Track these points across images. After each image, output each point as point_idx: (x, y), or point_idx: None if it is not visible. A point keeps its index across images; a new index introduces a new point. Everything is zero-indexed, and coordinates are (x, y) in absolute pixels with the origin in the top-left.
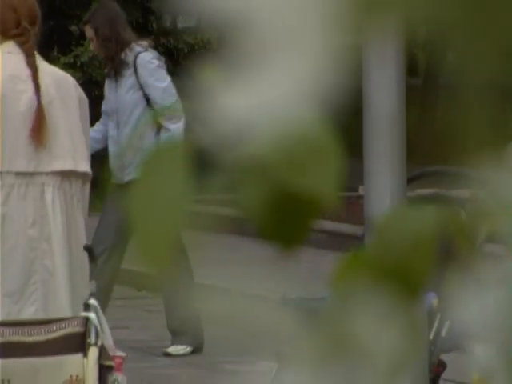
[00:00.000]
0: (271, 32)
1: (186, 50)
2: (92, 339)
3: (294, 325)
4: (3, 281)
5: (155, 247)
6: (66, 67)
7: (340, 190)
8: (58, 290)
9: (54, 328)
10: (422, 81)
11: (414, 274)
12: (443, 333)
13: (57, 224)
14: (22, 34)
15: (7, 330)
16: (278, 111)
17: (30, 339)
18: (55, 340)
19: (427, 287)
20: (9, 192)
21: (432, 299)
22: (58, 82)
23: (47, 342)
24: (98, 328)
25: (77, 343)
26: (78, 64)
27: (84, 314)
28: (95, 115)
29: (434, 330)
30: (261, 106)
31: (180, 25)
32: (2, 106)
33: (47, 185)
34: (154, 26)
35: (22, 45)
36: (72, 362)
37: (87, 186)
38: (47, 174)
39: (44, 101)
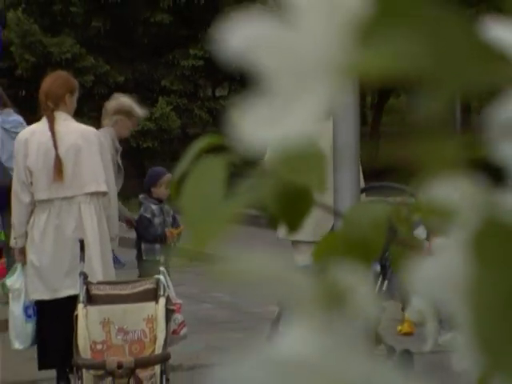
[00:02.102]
0: (283, 81)
1: (221, 111)
2: (161, 292)
3: (293, 282)
4: (60, 266)
5: (203, 233)
6: (145, 120)
7: (325, 187)
8: (95, 270)
9: (137, 285)
10: (369, 128)
11: (370, 247)
12: (383, 289)
13: (89, 227)
14: (46, 110)
15: (107, 286)
16: (287, 138)
17: (123, 292)
18: (138, 293)
19: (377, 257)
20: (59, 211)
21: (376, 266)
22: (83, 134)
23: (133, 294)
24: (165, 285)
25: (152, 295)
26: (153, 118)
27: (156, 276)
28: (164, 151)
29: (377, 286)
30: (275, 134)
31: (217, 94)
32: (44, 158)
33: (82, 202)
34: (202, 94)
35: (47, 117)
36: (149, 307)
37: (107, 197)
38: (81, 195)
39: (66, 151)
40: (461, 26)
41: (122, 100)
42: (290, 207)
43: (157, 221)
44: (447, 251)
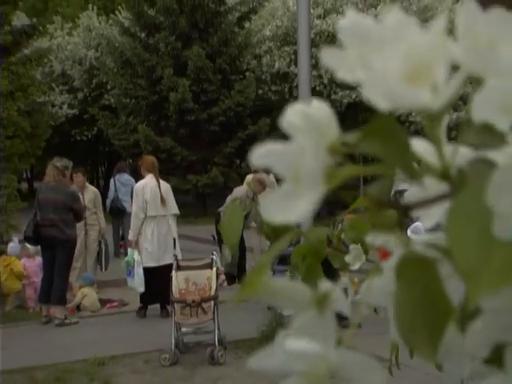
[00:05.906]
0: (289, 182)
1: (246, 174)
2: (214, 264)
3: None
4: (160, 249)
5: (231, 242)
6: (205, 179)
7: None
8: (178, 253)
9: (202, 261)
10: None
11: (318, 252)
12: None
13: (174, 231)
14: (153, 172)
15: (187, 261)
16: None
17: (194, 264)
18: (202, 265)
19: (322, 258)
20: (158, 222)
21: None
22: (166, 185)
23: (200, 265)
24: (216, 260)
25: (209, 265)
26: (210, 177)
27: (211, 256)
28: (215, 196)
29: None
30: (287, 218)
31: (242, 165)
32: (154, 195)
33: (169, 218)
34: (235, 165)
35: (154, 176)
36: (208, 272)
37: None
38: (169, 214)
39: (162, 191)
40: (406, 151)
41: (259, 175)
42: (277, 235)
43: None
44: (386, 273)
